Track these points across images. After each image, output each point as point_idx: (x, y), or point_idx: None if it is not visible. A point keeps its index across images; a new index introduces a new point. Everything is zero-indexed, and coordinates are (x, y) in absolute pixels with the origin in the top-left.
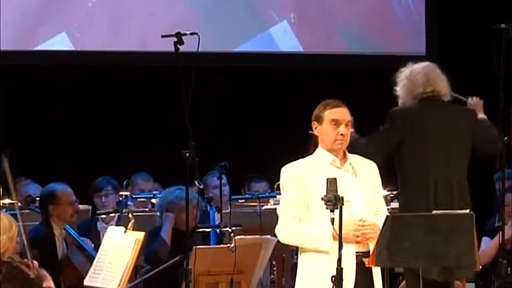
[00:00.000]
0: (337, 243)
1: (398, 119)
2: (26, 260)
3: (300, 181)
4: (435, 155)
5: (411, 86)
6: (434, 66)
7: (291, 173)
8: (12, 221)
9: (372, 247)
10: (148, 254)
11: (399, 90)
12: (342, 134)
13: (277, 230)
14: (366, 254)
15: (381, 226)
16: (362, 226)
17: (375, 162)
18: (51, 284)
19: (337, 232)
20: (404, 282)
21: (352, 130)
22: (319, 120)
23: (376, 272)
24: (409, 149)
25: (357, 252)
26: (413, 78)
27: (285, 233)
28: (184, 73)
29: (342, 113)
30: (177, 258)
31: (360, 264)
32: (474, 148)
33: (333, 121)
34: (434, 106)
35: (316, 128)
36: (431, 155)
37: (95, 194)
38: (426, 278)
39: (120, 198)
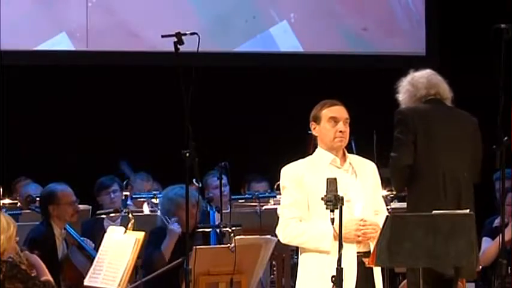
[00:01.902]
0: (337, 243)
1: (408, 117)
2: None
3: (300, 181)
4: (443, 153)
5: (414, 90)
6: (435, 73)
7: (291, 173)
8: (11, 221)
9: (373, 247)
10: (144, 261)
11: (401, 96)
12: (341, 131)
13: (277, 230)
14: (367, 254)
15: (381, 226)
16: (363, 226)
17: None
18: (48, 275)
19: (338, 232)
20: (404, 282)
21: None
22: (317, 119)
23: (377, 272)
24: (418, 147)
25: (358, 252)
26: (416, 83)
27: (285, 233)
28: (184, 73)
29: (340, 111)
30: (178, 260)
31: (360, 264)
32: None
33: (332, 119)
34: (439, 107)
35: (314, 128)
36: (439, 153)
37: (102, 192)
38: (441, 273)
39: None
